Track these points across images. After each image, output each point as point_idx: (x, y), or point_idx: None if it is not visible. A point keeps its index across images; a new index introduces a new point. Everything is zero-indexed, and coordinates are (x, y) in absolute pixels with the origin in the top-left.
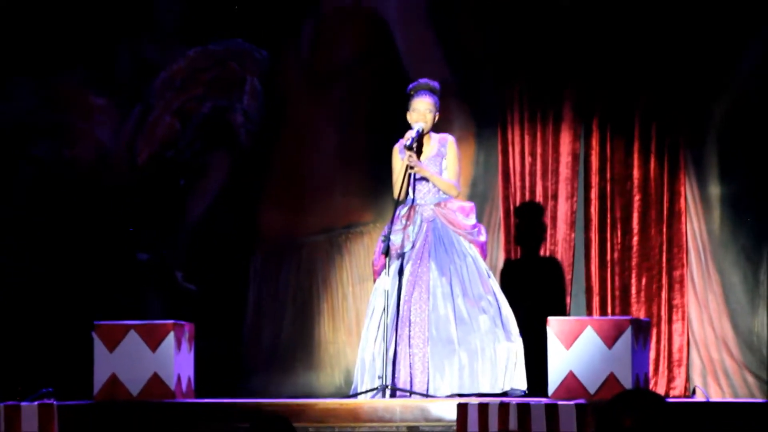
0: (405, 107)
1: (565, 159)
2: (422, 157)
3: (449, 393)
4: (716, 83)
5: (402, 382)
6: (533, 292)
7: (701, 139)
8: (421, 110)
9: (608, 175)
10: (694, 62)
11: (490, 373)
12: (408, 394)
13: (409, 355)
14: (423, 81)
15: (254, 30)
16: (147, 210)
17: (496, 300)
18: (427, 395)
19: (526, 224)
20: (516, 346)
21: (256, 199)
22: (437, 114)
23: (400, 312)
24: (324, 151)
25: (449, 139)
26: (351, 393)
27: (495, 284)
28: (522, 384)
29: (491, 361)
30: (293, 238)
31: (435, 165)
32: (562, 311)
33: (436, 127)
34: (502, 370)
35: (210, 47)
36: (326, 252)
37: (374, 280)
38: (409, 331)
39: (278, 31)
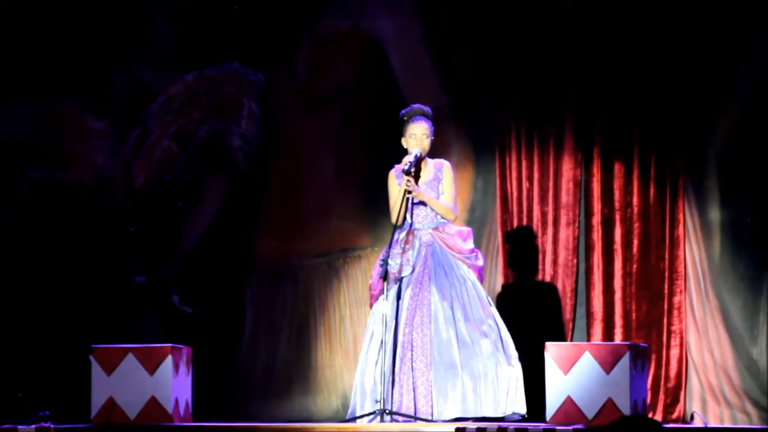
0: (400, 131)
1: (565, 185)
2: (419, 182)
3: (453, 417)
4: (715, 109)
5: (405, 407)
6: (532, 317)
7: (701, 166)
8: (418, 135)
9: (609, 202)
10: (692, 88)
11: (492, 396)
12: (409, 418)
13: (412, 379)
14: (416, 106)
15: (250, 53)
16: (144, 233)
17: (497, 324)
18: (426, 420)
19: (524, 249)
20: (516, 371)
21: (253, 222)
22: (432, 139)
23: (402, 336)
24: (321, 174)
25: (445, 164)
26: (348, 416)
27: (494, 309)
28: (522, 408)
29: (494, 384)
30: (290, 261)
31: (432, 190)
32: (560, 337)
33: (433, 152)
34: (504, 393)
35: (207, 72)
36: (323, 275)
37: (371, 305)
38: (412, 355)
39: (274, 55)
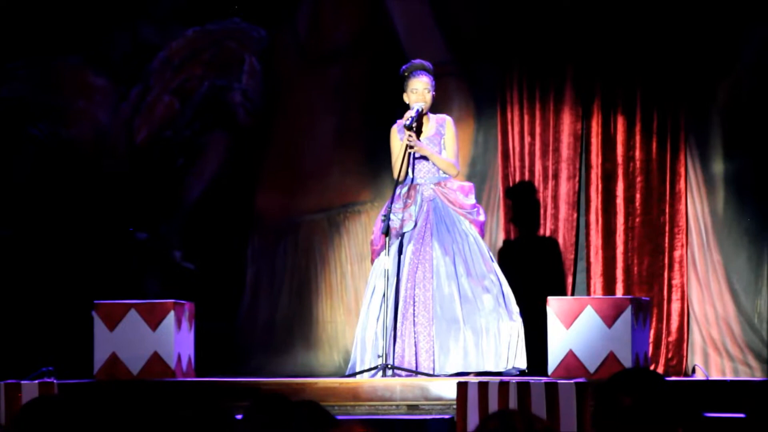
0: (401, 88)
1: (566, 139)
2: (421, 137)
3: (454, 371)
4: (719, 63)
5: (407, 361)
6: (533, 271)
7: (704, 120)
8: (420, 90)
9: (610, 155)
10: (696, 42)
11: (494, 351)
12: (411, 373)
13: (414, 334)
14: (417, 61)
15: (252, 9)
16: (145, 190)
17: (498, 279)
18: (428, 374)
19: (526, 204)
20: (517, 325)
21: (254, 178)
22: (434, 93)
23: (403, 291)
24: (322, 130)
25: (447, 119)
26: (348, 371)
27: (495, 264)
28: (522, 363)
29: (495, 339)
30: (291, 217)
31: (434, 145)
32: (562, 291)
33: (434, 108)
34: (505, 348)
35: (208, 27)
36: (324, 231)
37: (372, 260)
38: (414, 310)
39: (276, 11)
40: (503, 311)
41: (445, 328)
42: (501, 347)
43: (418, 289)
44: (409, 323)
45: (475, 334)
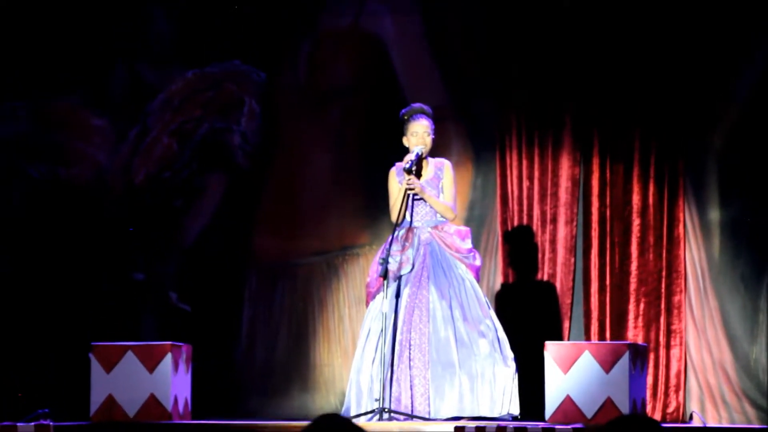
0: (401, 130)
1: (564, 184)
2: (421, 180)
3: (450, 416)
4: (715, 109)
5: (403, 404)
6: (530, 316)
7: (701, 166)
8: (420, 133)
9: (608, 200)
10: (693, 88)
11: (489, 396)
12: (408, 416)
13: (410, 378)
14: (416, 105)
15: (251, 52)
16: (143, 231)
17: (494, 324)
18: (424, 418)
19: (524, 248)
20: (512, 371)
21: (252, 220)
22: (433, 137)
23: (400, 335)
24: (320, 172)
25: (446, 163)
26: (343, 414)
27: (491, 309)
28: (515, 409)
29: (491, 385)
30: (288, 259)
31: (432, 188)
32: (559, 335)
33: (433, 151)
34: (501, 394)
35: (208, 69)
36: (322, 274)
37: (367, 303)
38: (410, 353)
39: (275, 53)
40: (498, 356)
41: (441, 372)
42: (496, 392)
43: (414, 332)
44: (405, 366)
45: (470, 378)
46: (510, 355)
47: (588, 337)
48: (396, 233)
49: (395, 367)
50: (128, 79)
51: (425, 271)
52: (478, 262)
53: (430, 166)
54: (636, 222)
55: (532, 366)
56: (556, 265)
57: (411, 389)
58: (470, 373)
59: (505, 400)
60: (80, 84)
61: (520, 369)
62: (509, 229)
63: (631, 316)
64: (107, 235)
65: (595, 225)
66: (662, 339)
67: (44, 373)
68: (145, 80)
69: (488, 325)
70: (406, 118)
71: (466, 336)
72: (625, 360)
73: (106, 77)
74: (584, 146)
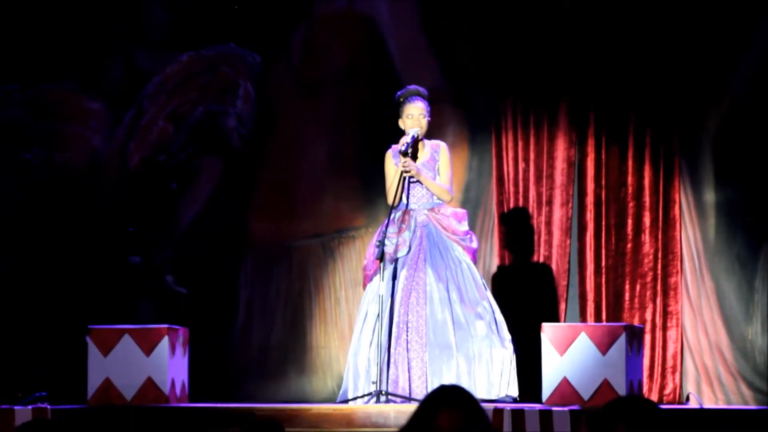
0: (397, 112)
1: (560, 165)
2: (417, 162)
3: None
4: (711, 90)
5: (400, 387)
6: (527, 298)
7: (696, 147)
8: (416, 115)
9: (603, 182)
10: (689, 69)
11: (486, 378)
12: (405, 399)
13: (407, 360)
14: (412, 87)
15: (246, 35)
16: (138, 214)
17: (491, 306)
18: (417, 400)
19: (520, 230)
20: (509, 353)
21: (248, 203)
22: (429, 119)
23: (397, 317)
24: (316, 155)
25: (442, 145)
26: (340, 398)
27: (488, 291)
28: (514, 391)
29: (488, 366)
30: (285, 242)
31: (429, 170)
32: (555, 317)
33: (429, 133)
34: (498, 375)
35: (203, 52)
36: (318, 256)
37: (364, 285)
38: (407, 336)
39: (270, 37)
40: (496, 338)
41: (438, 354)
42: (493, 374)
43: (411, 314)
44: (402, 349)
45: (467, 360)
46: (507, 336)
47: (584, 319)
48: (392, 215)
49: (392, 350)
50: (123, 63)
51: (422, 254)
52: (474, 245)
53: (427, 148)
54: (631, 203)
55: (529, 348)
56: (551, 247)
57: (408, 371)
58: (467, 354)
59: (503, 382)
60: (76, 68)
61: (517, 351)
62: (505, 210)
63: (627, 297)
64: (103, 219)
65: (590, 206)
66: (658, 320)
67: (42, 356)
68: (141, 64)
69: (485, 306)
70: (401, 100)
71: (463, 318)
72: (621, 341)
73: (101, 61)
74: (579, 128)
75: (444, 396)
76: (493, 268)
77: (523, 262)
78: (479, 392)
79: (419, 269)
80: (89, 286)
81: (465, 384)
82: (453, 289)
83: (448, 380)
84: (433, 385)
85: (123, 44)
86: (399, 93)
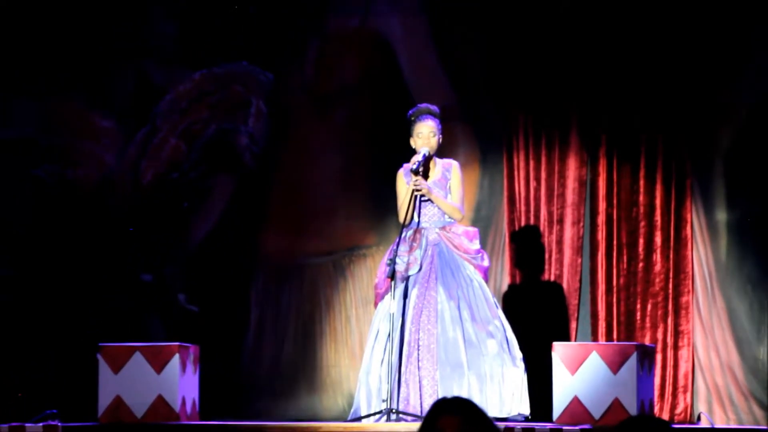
0: (408, 130)
1: (571, 185)
2: (427, 181)
3: None
4: (722, 110)
5: (411, 405)
6: (538, 316)
7: (708, 166)
8: (426, 134)
9: (615, 201)
10: (699, 88)
11: (498, 397)
12: (416, 417)
13: (418, 378)
14: (423, 106)
15: (258, 52)
16: (150, 231)
17: (502, 324)
18: None
19: (531, 249)
20: (521, 371)
21: (260, 221)
22: (440, 137)
23: (408, 335)
24: (328, 173)
25: (454, 164)
26: (351, 416)
27: (499, 310)
28: (525, 409)
29: (499, 385)
30: (296, 260)
31: (440, 189)
32: (566, 336)
33: (440, 151)
34: (509, 394)
35: (215, 70)
36: (329, 274)
37: (375, 304)
38: (418, 354)
39: (282, 53)
40: (507, 357)
41: (449, 372)
42: (505, 393)
43: (422, 333)
44: (414, 367)
45: (479, 379)
46: (519, 355)
47: (595, 338)
48: (404, 234)
49: (403, 368)
50: (135, 80)
51: (433, 272)
52: (486, 263)
53: (438, 166)
54: (643, 223)
55: (540, 367)
56: (563, 266)
57: (420, 390)
58: (479, 373)
59: (515, 401)
60: (88, 85)
61: (528, 369)
62: (516, 229)
63: (638, 316)
64: (115, 236)
65: (602, 226)
66: (670, 340)
67: (52, 373)
68: (153, 81)
69: (497, 325)
70: (412, 119)
71: (475, 336)
72: (632, 361)
73: (113, 78)
74: (591, 147)
75: (443, 405)
76: (504, 287)
77: (534, 281)
78: (491, 410)
79: (430, 288)
80: (100, 303)
81: (476, 402)
82: (464, 307)
83: None
84: None
85: (134, 60)
86: (410, 112)
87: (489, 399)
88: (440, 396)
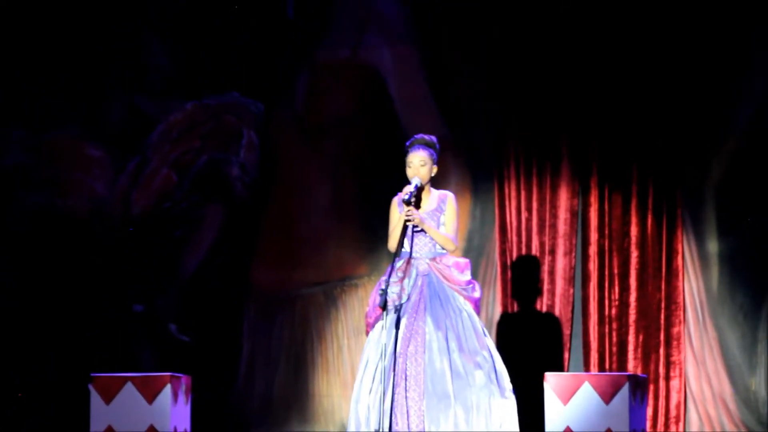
0: (400, 160)
1: (563, 215)
2: (420, 211)
3: None
4: (713, 140)
5: None
6: (530, 346)
7: (699, 197)
8: (416, 164)
9: (606, 232)
10: (690, 120)
11: (485, 428)
12: None
13: (406, 408)
14: (419, 136)
15: (250, 83)
16: (141, 261)
17: (491, 356)
18: None
19: (523, 279)
20: (510, 403)
21: (251, 251)
22: (434, 167)
23: (396, 365)
24: (319, 203)
25: (449, 195)
26: None
27: (489, 340)
28: None
29: (486, 416)
30: (287, 290)
31: (433, 220)
32: (559, 366)
33: (433, 182)
34: (497, 425)
35: (206, 101)
36: (321, 305)
37: (366, 333)
38: (405, 384)
39: (273, 85)
40: (495, 388)
41: (436, 403)
42: (492, 424)
43: (409, 363)
44: (401, 397)
45: (465, 410)
46: (508, 386)
47: (587, 369)
48: (395, 264)
49: (394, 397)
50: (126, 111)
51: (422, 302)
52: (477, 294)
53: (433, 196)
54: (634, 254)
55: (531, 397)
56: (554, 296)
57: (407, 420)
58: (465, 404)
59: None
60: (78, 115)
61: (519, 400)
62: (508, 259)
63: (630, 347)
64: (106, 266)
65: (593, 256)
66: (662, 370)
67: (44, 404)
68: (144, 111)
69: (485, 356)
70: (407, 149)
71: (462, 367)
72: (625, 391)
73: (104, 109)
74: (582, 177)
75: None
76: (496, 317)
77: (525, 311)
78: None
79: (419, 318)
80: (92, 333)
81: None
82: (452, 338)
83: (445, 430)
84: None
85: (125, 90)
86: (408, 142)
87: (475, 430)
88: (426, 426)
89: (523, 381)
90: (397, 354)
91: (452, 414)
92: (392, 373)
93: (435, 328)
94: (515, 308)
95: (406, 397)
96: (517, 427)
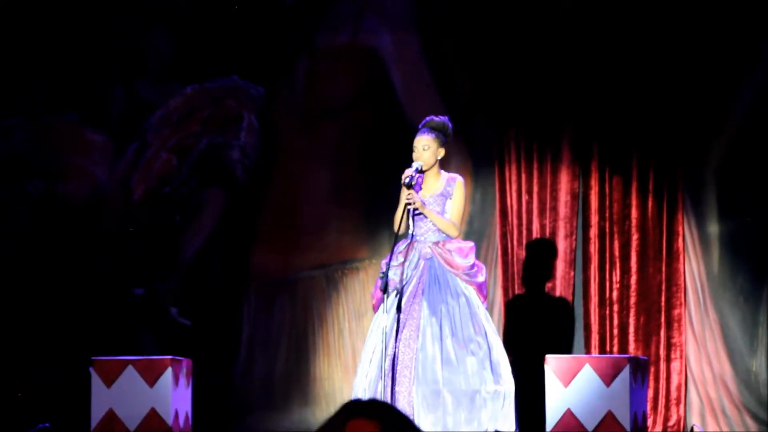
0: (401, 143)
1: (563, 198)
2: (425, 192)
3: None
4: (713, 123)
5: None
6: (531, 329)
7: (700, 179)
8: (418, 148)
9: (607, 214)
10: (691, 102)
11: (473, 415)
12: None
13: (396, 394)
14: (429, 118)
15: (249, 67)
16: (142, 246)
17: (487, 342)
18: None
19: (524, 262)
20: (504, 389)
21: (252, 234)
22: (439, 149)
23: (391, 350)
24: (319, 187)
25: (458, 180)
26: None
27: (489, 326)
28: (508, 427)
29: (476, 403)
30: (288, 274)
31: (438, 204)
32: (559, 349)
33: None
34: (487, 412)
35: (206, 85)
36: (322, 288)
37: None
38: (399, 369)
39: (273, 69)
40: (488, 375)
41: (425, 389)
42: (482, 411)
43: (402, 348)
44: (389, 380)
45: (454, 397)
46: (505, 373)
47: (588, 351)
48: (397, 246)
49: (384, 382)
50: (127, 95)
51: (420, 287)
52: (481, 278)
53: (441, 179)
54: (635, 236)
55: (533, 380)
56: (555, 279)
57: (396, 405)
58: (454, 390)
59: (492, 419)
60: (79, 100)
61: (520, 383)
62: (509, 243)
63: (631, 329)
64: (107, 250)
65: (594, 239)
66: (662, 352)
67: (45, 387)
68: (144, 96)
69: (479, 343)
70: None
71: (453, 354)
72: (625, 373)
73: (104, 93)
74: (583, 160)
75: (355, 407)
76: (497, 301)
77: (527, 294)
78: (466, 428)
79: (415, 302)
80: (93, 317)
81: (450, 420)
82: (446, 324)
83: (434, 416)
84: (419, 420)
85: (125, 75)
86: (420, 125)
87: (464, 416)
88: (415, 412)
89: (524, 363)
90: (393, 339)
91: (441, 400)
92: (386, 358)
93: (430, 313)
94: (516, 291)
95: (395, 382)
96: (512, 414)
